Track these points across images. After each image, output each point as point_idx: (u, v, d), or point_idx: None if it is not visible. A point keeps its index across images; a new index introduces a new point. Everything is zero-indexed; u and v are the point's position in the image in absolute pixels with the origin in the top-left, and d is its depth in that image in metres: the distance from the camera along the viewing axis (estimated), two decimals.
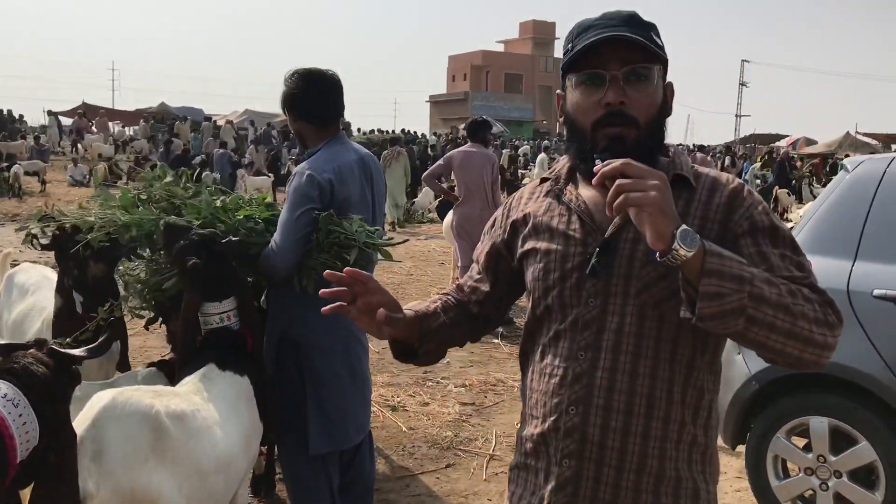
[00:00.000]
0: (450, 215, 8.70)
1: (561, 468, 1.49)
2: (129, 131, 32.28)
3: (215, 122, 30.91)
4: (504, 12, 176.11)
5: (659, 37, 1.51)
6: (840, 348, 1.39)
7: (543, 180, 1.69)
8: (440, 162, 8.04)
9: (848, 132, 31.30)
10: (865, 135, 31.57)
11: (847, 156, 24.71)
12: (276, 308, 3.08)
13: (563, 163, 1.67)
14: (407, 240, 3.30)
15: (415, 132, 35.39)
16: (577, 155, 1.58)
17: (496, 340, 6.98)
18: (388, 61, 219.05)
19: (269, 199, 3.31)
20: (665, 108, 1.54)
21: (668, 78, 1.56)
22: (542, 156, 24.11)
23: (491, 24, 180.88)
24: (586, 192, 1.57)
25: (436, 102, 64.52)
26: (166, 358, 3.33)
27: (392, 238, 3.06)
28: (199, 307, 2.78)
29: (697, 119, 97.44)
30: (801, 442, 3.58)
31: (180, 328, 2.88)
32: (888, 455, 3.25)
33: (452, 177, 7.83)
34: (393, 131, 33.31)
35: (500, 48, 67.20)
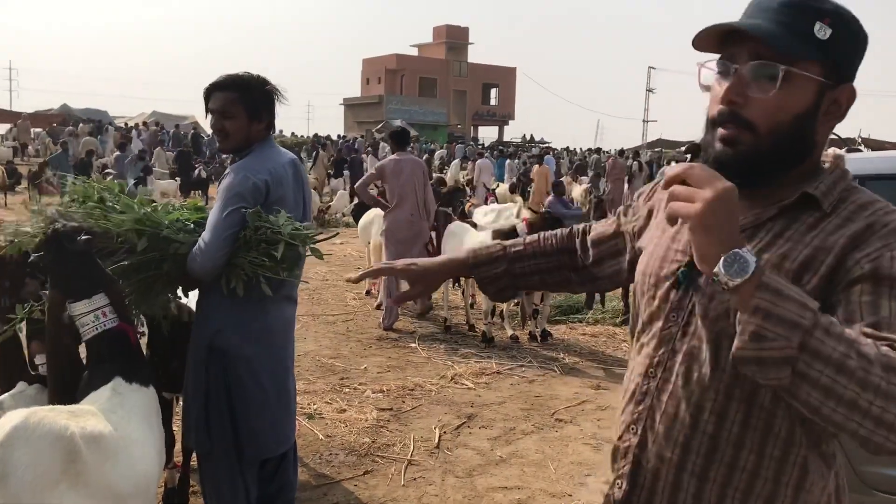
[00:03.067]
0: (365, 217, 9.05)
1: (615, 487, 1.41)
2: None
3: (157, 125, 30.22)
4: (418, 17, 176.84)
5: (838, 26, 1.25)
6: None
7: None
8: (372, 171, 8.26)
9: None
10: None
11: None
12: (204, 316, 3.04)
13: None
14: (336, 233, 3.22)
15: (331, 136, 35.08)
16: (697, 150, 1.42)
17: (413, 344, 6.99)
18: (301, 64, 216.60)
19: (201, 203, 3.27)
20: (812, 115, 1.27)
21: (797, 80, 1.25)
22: (455, 162, 24.15)
23: (405, 28, 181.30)
24: None
25: (350, 105, 64.08)
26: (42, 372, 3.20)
27: (320, 232, 3.03)
28: (62, 305, 2.68)
29: (607, 124, 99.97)
30: None
31: (47, 329, 2.78)
32: None
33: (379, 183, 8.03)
34: (316, 135, 33.33)
35: (415, 52, 67.31)
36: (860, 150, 5.03)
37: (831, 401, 1.05)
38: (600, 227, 1.73)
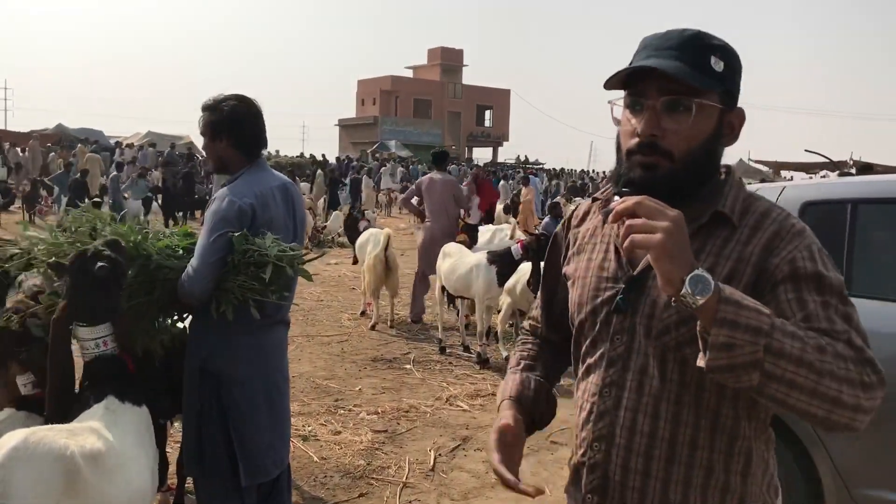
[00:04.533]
0: (361, 237, 9.53)
1: (586, 502, 1.48)
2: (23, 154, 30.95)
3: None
4: (413, 39, 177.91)
5: (726, 59, 1.42)
6: None
7: (595, 200, 1.66)
8: (412, 187, 9.56)
9: (741, 159, 32.82)
10: (758, 162, 33.14)
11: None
12: (197, 339, 3.04)
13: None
14: (324, 252, 3.19)
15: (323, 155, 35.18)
16: (614, 180, 1.51)
17: (408, 366, 6.98)
18: (296, 85, 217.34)
19: (189, 230, 3.28)
20: (716, 139, 1.44)
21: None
22: None
23: (400, 50, 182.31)
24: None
25: (345, 126, 64.28)
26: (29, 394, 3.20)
27: (307, 253, 3.04)
28: (68, 321, 2.69)
29: (600, 146, 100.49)
30: None
31: (50, 340, 2.79)
32: (784, 471, 3.39)
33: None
34: (312, 155, 33.75)
35: (409, 74, 67.62)
36: (852, 174, 5.06)
37: (795, 391, 1.19)
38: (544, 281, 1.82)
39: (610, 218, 1.28)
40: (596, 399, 1.47)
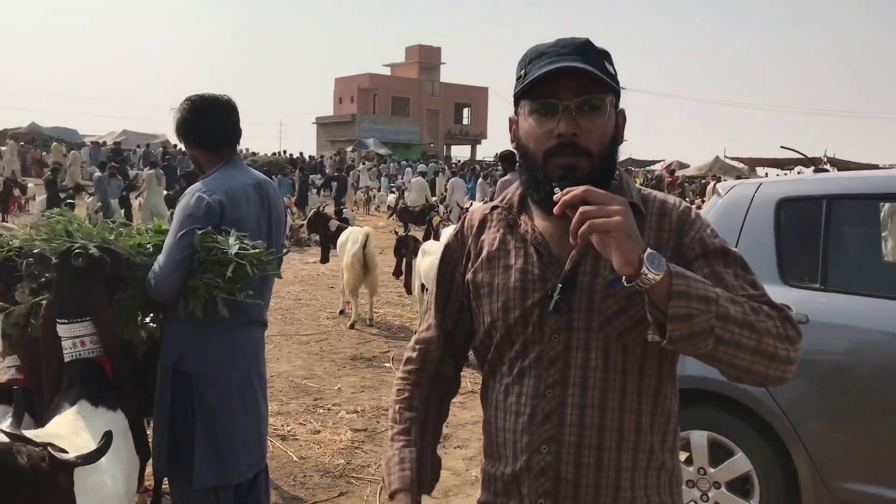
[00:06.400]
0: (343, 235, 9.03)
1: None
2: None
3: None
4: (390, 37, 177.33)
5: (612, 65, 1.47)
6: None
7: (494, 208, 1.65)
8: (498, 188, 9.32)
9: (717, 156, 33.16)
10: (733, 159, 33.48)
11: (714, 177, 26.19)
12: (170, 338, 2.98)
13: (513, 190, 1.63)
14: (287, 251, 3.12)
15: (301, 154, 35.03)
16: (529, 183, 1.53)
17: (388, 364, 6.96)
18: (273, 83, 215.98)
19: (162, 226, 3.24)
20: (617, 137, 1.50)
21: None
22: (418, 180, 23.11)
23: (377, 48, 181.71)
24: (541, 223, 1.53)
25: (323, 124, 64.02)
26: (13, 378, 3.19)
27: (271, 252, 2.95)
28: (53, 327, 2.67)
29: None
30: (682, 455, 3.72)
31: (41, 338, 2.77)
32: (762, 465, 3.43)
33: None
34: (290, 154, 33.40)
35: (387, 72, 67.48)
36: (827, 170, 5.12)
37: (742, 351, 1.29)
38: (433, 299, 1.74)
39: (556, 209, 1.29)
40: (538, 401, 1.46)
